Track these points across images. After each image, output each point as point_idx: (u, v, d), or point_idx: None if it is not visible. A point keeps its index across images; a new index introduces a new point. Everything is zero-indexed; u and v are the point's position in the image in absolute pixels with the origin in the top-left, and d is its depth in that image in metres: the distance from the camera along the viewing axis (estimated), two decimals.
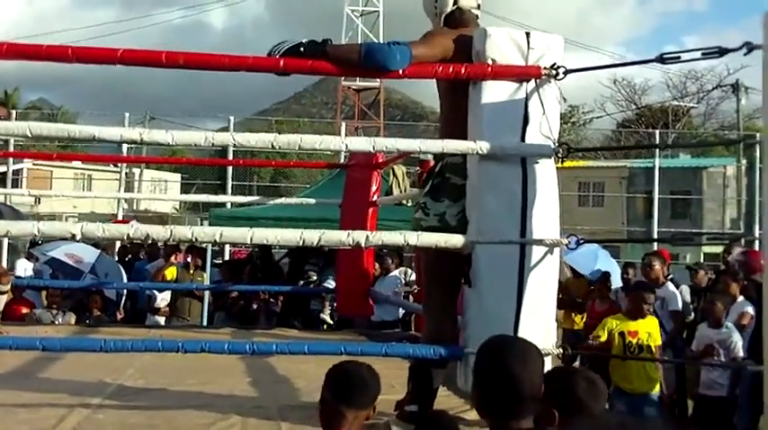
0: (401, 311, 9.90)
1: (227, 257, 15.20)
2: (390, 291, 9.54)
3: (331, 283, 9.78)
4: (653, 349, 7.41)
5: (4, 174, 18.33)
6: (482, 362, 2.64)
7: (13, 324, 7.98)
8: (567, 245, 4.19)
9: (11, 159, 18.57)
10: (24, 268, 11.50)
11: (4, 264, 13.45)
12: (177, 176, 35.21)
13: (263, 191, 24.90)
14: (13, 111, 25.87)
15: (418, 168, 8.21)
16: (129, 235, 3.92)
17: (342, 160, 12.54)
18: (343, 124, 23.66)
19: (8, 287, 7.58)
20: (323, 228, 4.22)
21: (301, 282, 10.67)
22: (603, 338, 7.47)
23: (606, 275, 9.75)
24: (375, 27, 47.53)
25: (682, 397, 8.70)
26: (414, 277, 10.00)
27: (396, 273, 10.09)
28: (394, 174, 10.70)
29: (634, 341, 7.42)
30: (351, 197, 8.57)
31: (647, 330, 7.45)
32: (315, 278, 10.65)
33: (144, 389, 5.06)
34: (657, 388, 7.37)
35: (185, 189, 29.15)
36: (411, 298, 9.22)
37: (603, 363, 7.43)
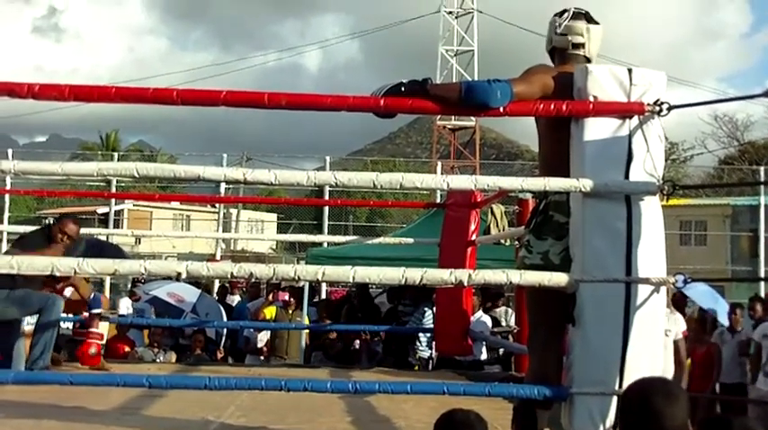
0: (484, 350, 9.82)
1: (323, 297, 15.28)
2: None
3: (424, 322, 9.74)
4: None
5: (107, 214, 18.78)
6: (626, 397, 2.69)
7: (116, 362, 8.14)
8: (674, 283, 4.09)
9: (113, 200, 19.05)
10: (126, 307, 11.74)
11: None
12: (273, 216, 35.60)
13: (358, 230, 25.05)
14: (115, 154, 26.63)
15: (516, 207, 8.16)
16: (233, 273, 3.96)
17: (438, 199, 12.54)
18: (439, 164, 23.62)
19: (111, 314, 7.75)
20: (419, 267, 4.18)
21: (394, 323, 10.67)
22: None
23: (703, 316, 9.53)
24: (470, 67, 47.58)
25: None
26: (513, 317, 9.91)
27: (480, 314, 9.97)
28: (492, 213, 10.63)
29: None
30: (449, 236, 8.55)
31: None
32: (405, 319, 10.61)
33: (246, 427, 5.09)
34: None
35: (282, 229, 29.40)
36: (510, 337, 9.12)
37: None
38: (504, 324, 10.26)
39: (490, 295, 10.52)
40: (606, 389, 3.95)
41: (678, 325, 8.47)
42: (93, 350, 7.07)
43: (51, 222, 7.30)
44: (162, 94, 3.99)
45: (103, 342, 7.39)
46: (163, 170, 4.26)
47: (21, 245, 7.00)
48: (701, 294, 9.28)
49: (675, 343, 8.19)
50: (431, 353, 9.99)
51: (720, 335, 10.02)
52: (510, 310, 10.60)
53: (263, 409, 5.55)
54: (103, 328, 7.56)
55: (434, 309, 9.26)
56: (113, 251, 8.77)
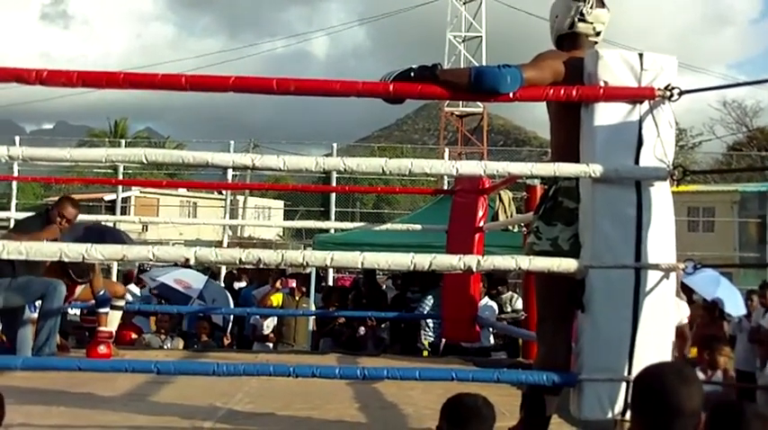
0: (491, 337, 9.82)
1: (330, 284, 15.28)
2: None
3: (425, 308, 9.71)
4: None
5: (114, 201, 18.79)
6: (640, 379, 2.67)
7: (124, 348, 8.14)
8: (683, 269, 4.07)
9: (120, 187, 19.07)
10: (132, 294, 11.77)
11: None
12: (280, 203, 35.60)
13: (365, 217, 25.03)
14: (122, 141, 26.67)
15: (525, 193, 8.13)
16: (241, 259, 3.94)
17: (445, 186, 12.52)
18: (447, 150, 23.55)
19: (123, 303, 7.75)
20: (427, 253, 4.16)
21: (403, 310, 10.65)
22: None
23: (714, 303, 9.47)
24: (478, 52, 47.44)
25: None
26: (520, 303, 9.89)
27: (486, 300, 9.94)
28: (500, 200, 10.61)
29: None
30: (457, 223, 8.53)
31: None
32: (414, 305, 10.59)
33: (254, 414, 5.08)
34: None
35: (289, 216, 29.40)
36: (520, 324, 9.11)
37: None
38: (509, 309, 10.24)
39: (493, 281, 10.49)
40: (615, 376, 3.94)
41: (681, 310, 8.41)
42: (102, 348, 7.08)
43: (50, 207, 7.29)
44: (171, 80, 3.97)
45: (112, 339, 7.38)
46: (171, 156, 4.26)
47: (17, 229, 7.03)
48: (702, 282, 9.22)
49: (679, 328, 8.13)
50: (435, 340, 9.98)
51: (739, 324, 9.99)
52: (516, 295, 10.57)
53: (271, 396, 5.55)
54: (116, 318, 7.54)
55: (438, 295, 9.24)
56: (114, 236, 8.77)
